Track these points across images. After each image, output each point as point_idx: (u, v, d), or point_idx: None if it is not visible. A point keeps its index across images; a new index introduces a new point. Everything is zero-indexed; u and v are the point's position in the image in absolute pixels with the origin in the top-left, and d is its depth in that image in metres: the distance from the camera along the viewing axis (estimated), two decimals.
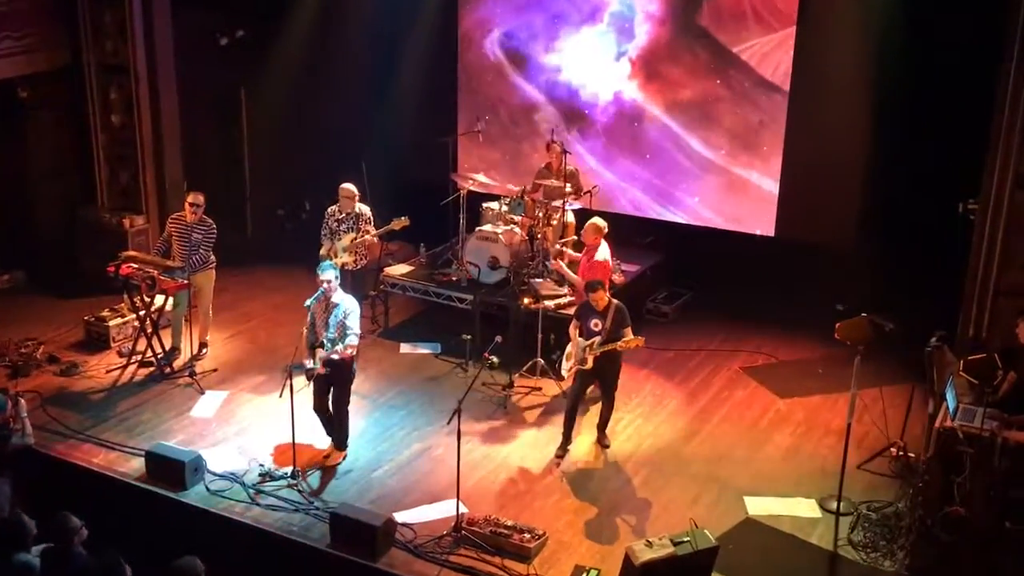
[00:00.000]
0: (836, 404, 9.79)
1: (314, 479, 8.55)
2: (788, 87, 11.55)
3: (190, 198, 10.27)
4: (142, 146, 12.16)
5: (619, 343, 8.63)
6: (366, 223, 10.56)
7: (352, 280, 10.58)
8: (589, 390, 9.24)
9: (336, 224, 10.57)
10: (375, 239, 10.74)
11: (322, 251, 10.57)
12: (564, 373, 9.17)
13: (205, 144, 13.41)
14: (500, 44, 13.18)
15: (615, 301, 8.79)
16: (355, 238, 10.49)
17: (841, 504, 8.16)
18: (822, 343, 10.41)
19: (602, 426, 9.14)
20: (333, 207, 10.62)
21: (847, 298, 10.29)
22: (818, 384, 10.24)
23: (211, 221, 10.31)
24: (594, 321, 8.73)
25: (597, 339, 8.69)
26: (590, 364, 8.74)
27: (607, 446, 9.10)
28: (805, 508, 8.23)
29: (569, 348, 9.06)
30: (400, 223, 10.57)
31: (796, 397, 10.04)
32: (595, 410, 9.32)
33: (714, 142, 12.14)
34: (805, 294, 11.32)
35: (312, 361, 8.46)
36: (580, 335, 8.86)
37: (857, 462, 8.68)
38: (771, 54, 11.58)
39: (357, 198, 10.55)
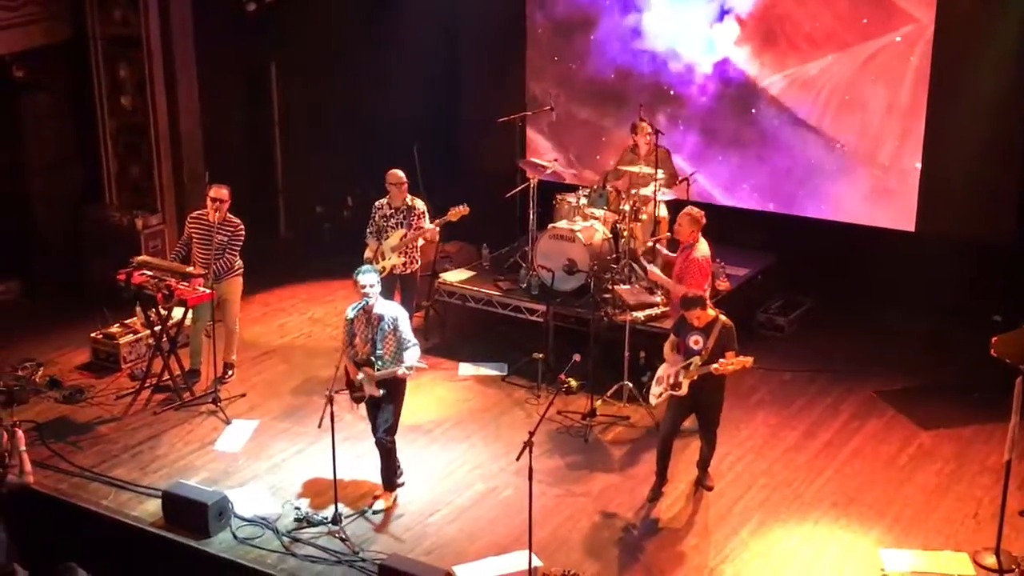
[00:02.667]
0: (992, 436, 9.60)
1: (359, 525, 8.60)
2: (931, 56, 11.42)
3: (212, 193, 10.42)
4: (157, 133, 12.40)
5: (715, 365, 8.47)
6: (419, 218, 10.64)
7: (402, 286, 10.68)
8: (687, 422, 9.17)
9: (384, 220, 10.68)
10: (429, 235, 10.78)
11: (368, 252, 10.68)
12: (652, 399, 9.09)
13: (230, 130, 13.62)
14: (568, 1, 13.15)
15: (723, 318, 8.69)
16: (405, 235, 10.57)
17: (1001, 559, 7.99)
18: (975, 362, 10.20)
19: (703, 465, 9.07)
20: (381, 200, 10.74)
21: (1006, 307, 10.11)
22: (970, 412, 10.05)
23: (237, 220, 10.46)
24: (695, 338, 8.63)
25: (695, 360, 8.61)
26: (685, 389, 8.66)
27: (710, 488, 9.03)
28: (955, 564, 8.08)
29: (661, 370, 9.00)
30: (457, 212, 10.63)
31: (943, 428, 9.88)
32: (696, 443, 9.25)
33: (845, 122, 12.00)
34: (953, 302, 11.14)
35: (361, 376, 8.55)
36: (677, 353, 8.78)
37: (1019, 507, 8.51)
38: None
39: (407, 187, 10.63)
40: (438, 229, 10.82)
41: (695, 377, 8.57)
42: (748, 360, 8.55)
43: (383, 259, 10.55)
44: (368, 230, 10.81)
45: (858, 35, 11.73)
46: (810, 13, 11.93)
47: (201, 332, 10.64)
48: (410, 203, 10.65)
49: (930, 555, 8.17)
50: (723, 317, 8.68)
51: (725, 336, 8.58)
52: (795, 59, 12.10)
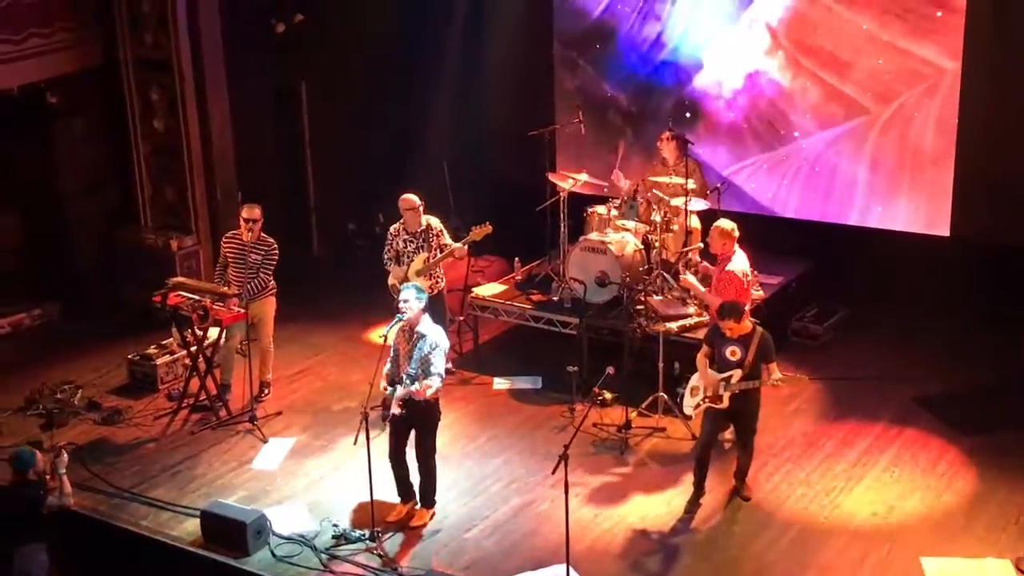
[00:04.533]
0: None
1: (397, 541, 8.62)
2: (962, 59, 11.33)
3: (244, 213, 10.48)
4: (190, 154, 12.49)
5: (775, 379, 8.44)
6: (438, 236, 10.57)
7: (431, 307, 10.64)
8: (726, 433, 9.13)
9: (403, 244, 10.63)
10: (458, 254, 10.73)
11: (391, 279, 10.58)
12: (689, 411, 9.05)
13: (262, 150, 13.71)
14: (587, 9, 13.06)
15: (760, 328, 8.65)
16: (428, 258, 10.54)
17: None
18: (1013, 365, 10.14)
19: (741, 475, 9.03)
20: (396, 226, 10.64)
21: None
22: (1009, 417, 9.96)
23: (272, 240, 10.51)
24: (731, 349, 8.58)
25: (736, 372, 8.55)
26: (726, 403, 8.61)
27: (747, 498, 8.98)
28: (998, 571, 8.01)
29: (694, 380, 8.96)
30: (480, 231, 10.53)
31: (982, 433, 9.78)
32: (732, 454, 9.20)
33: (880, 128, 11.88)
34: (989, 306, 11.08)
35: (389, 391, 8.56)
36: (711, 365, 8.75)
37: None
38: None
39: (422, 209, 10.56)
40: (466, 248, 10.78)
41: (737, 391, 8.53)
42: (802, 377, 8.55)
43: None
44: (385, 255, 10.70)
45: (894, 38, 11.58)
46: (845, 18, 11.75)
47: (233, 350, 10.69)
48: (425, 225, 10.56)
49: (972, 562, 8.10)
50: (760, 328, 8.64)
51: (764, 347, 8.53)
52: (831, 68, 11.91)
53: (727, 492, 9.06)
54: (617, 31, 12.92)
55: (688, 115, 12.69)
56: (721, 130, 12.64)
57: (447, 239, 10.63)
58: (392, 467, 8.80)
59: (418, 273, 10.49)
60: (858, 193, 12.17)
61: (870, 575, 8.03)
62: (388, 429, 8.75)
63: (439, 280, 10.75)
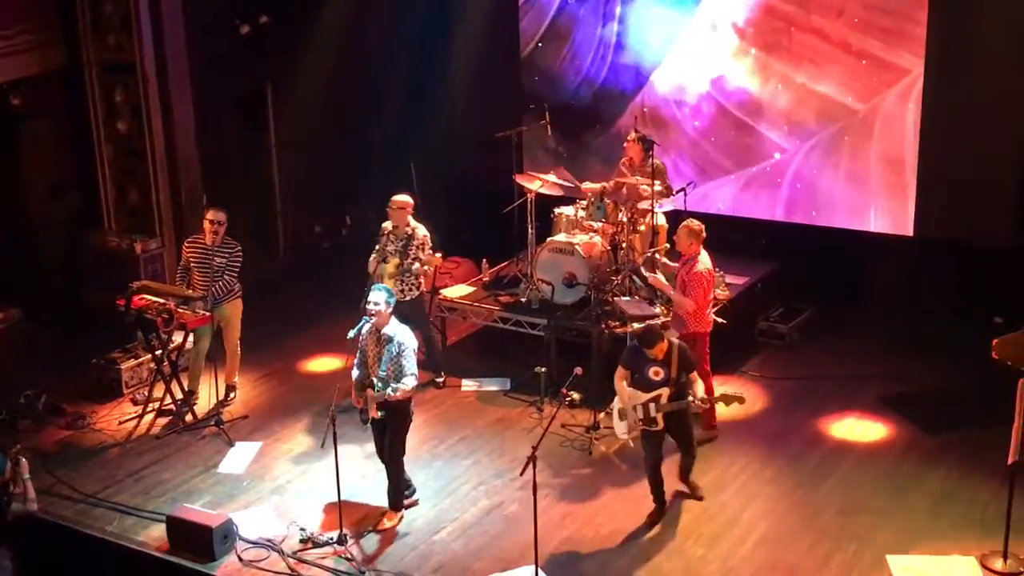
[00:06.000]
0: (996, 439, 9.47)
1: (365, 544, 8.59)
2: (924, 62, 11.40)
3: (210, 215, 10.43)
4: (153, 157, 12.43)
5: (700, 400, 8.50)
6: (418, 246, 10.50)
7: (411, 311, 10.63)
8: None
9: (387, 242, 10.55)
10: (428, 265, 10.66)
11: (370, 267, 10.48)
12: (622, 435, 8.91)
13: (227, 152, 13.65)
14: (547, 8, 12.99)
15: (675, 341, 8.66)
16: (400, 264, 10.48)
17: (1008, 562, 7.98)
18: (977, 365, 10.18)
19: (686, 473, 9.02)
20: (388, 223, 10.62)
21: (1007, 309, 10.08)
22: (974, 415, 10.01)
23: (236, 243, 10.47)
24: (654, 369, 8.53)
25: (664, 391, 8.50)
26: (661, 424, 8.56)
27: (701, 498, 8.99)
28: (963, 568, 8.06)
29: (616, 403, 8.85)
30: (431, 260, 10.56)
31: (947, 432, 9.86)
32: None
33: (845, 129, 11.95)
34: (954, 305, 11.14)
35: (363, 403, 8.54)
36: (634, 386, 8.64)
37: None
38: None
39: (409, 210, 10.48)
40: (429, 270, 10.72)
41: (669, 410, 8.52)
42: (740, 397, 8.66)
43: (381, 279, 10.48)
44: (376, 246, 10.62)
45: (863, 38, 11.62)
46: (816, 20, 11.77)
47: (202, 356, 10.61)
48: (410, 231, 10.48)
49: (938, 560, 8.15)
50: (675, 340, 8.67)
51: (684, 359, 8.55)
52: (804, 72, 11.92)
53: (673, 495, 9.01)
54: (575, 28, 12.86)
55: (647, 127, 12.50)
56: (683, 150, 12.60)
57: (426, 253, 10.49)
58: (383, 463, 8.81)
59: (389, 276, 10.44)
60: (824, 194, 12.23)
61: (837, 572, 8.05)
62: (371, 432, 8.76)
63: (412, 288, 10.61)
